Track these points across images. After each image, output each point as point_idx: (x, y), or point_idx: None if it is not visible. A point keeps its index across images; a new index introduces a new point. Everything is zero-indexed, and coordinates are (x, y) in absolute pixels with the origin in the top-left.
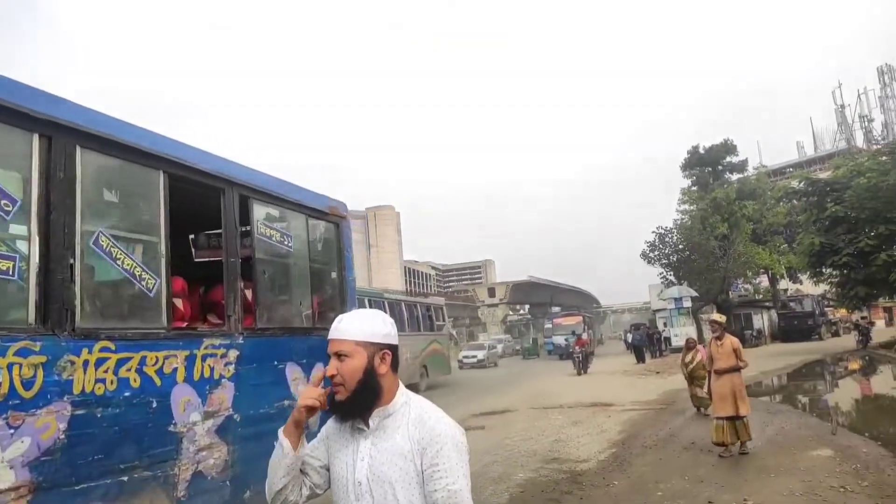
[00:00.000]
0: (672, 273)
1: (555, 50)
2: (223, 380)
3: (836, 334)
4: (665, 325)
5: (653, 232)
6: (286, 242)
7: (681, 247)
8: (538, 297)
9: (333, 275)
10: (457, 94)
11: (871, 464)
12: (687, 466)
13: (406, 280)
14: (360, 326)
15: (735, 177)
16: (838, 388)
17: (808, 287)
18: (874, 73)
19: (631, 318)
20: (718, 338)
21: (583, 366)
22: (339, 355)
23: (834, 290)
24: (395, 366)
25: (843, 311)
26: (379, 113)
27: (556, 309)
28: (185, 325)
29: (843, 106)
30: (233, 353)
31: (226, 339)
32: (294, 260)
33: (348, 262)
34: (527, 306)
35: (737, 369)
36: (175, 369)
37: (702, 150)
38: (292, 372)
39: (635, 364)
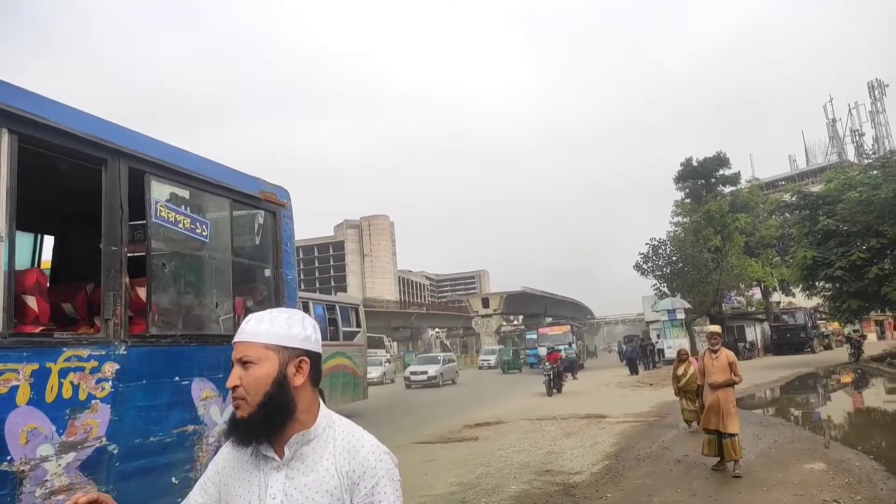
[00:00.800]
0: (665, 285)
1: (549, 59)
2: (94, 401)
3: (828, 347)
4: (658, 336)
5: (646, 244)
6: (199, 231)
7: (674, 259)
8: (532, 307)
9: (267, 272)
10: (452, 104)
11: (863, 478)
12: (680, 479)
13: (400, 289)
14: (270, 327)
15: (728, 189)
16: (831, 402)
17: (801, 300)
18: (865, 87)
19: (625, 330)
20: (714, 350)
21: (555, 385)
22: (242, 362)
23: (826, 303)
24: (315, 379)
25: (835, 325)
26: (376, 119)
27: (549, 320)
28: (38, 329)
29: (834, 120)
30: (109, 367)
31: (99, 349)
32: (210, 253)
33: (287, 258)
34: (521, 317)
35: (731, 384)
36: (14, 388)
37: (695, 163)
38: (201, 389)
39: (628, 376)
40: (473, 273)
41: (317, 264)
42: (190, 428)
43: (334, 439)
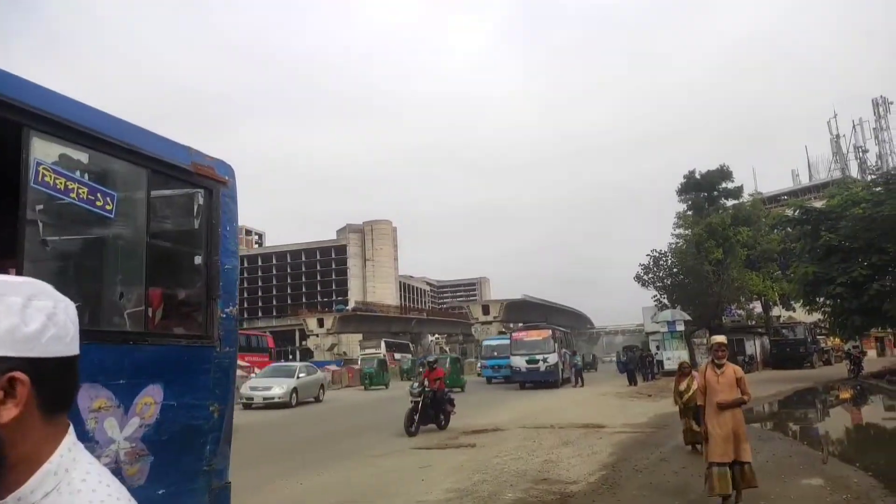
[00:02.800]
0: (666, 296)
1: (554, 67)
2: None
3: (827, 363)
4: (658, 348)
5: (647, 255)
6: (101, 204)
7: (675, 270)
8: (532, 316)
9: (197, 259)
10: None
11: (861, 494)
12: (677, 491)
13: (400, 295)
14: None
15: (730, 203)
16: (829, 417)
17: (801, 314)
18: (870, 104)
19: (624, 340)
20: (720, 365)
21: (430, 419)
22: None
23: (828, 319)
24: (47, 405)
25: (835, 340)
26: (381, 125)
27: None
28: None
29: (838, 136)
30: None
31: None
32: (116, 231)
33: (225, 244)
34: (520, 324)
35: (740, 404)
36: None
37: (698, 176)
38: (92, 398)
39: (627, 386)
40: (474, 280)
41: (318, 268)
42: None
43: None
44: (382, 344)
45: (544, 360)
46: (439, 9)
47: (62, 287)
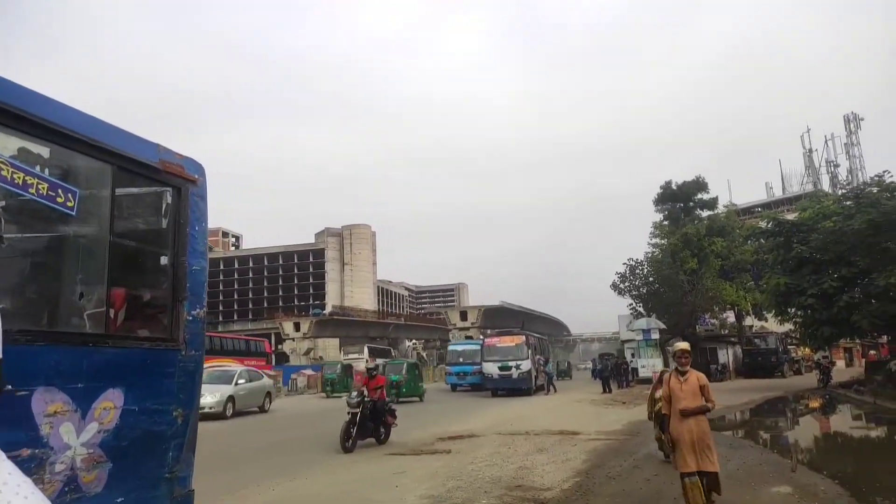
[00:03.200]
0: (641, 305)
1: (530, 75)
2: None
3: (798, 372)
4: (633, 356)
5: (624, 263)
6: (62, 200)
7: (651, 279)
8: (509, 322)
9: (164, 260)
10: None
11: (828, 503)
12: (649, 498)
13: (379, 299)
14: None
15: (706, 213)
16: (799, 426)
17: (773, 325)
18: (842, 120)
19: (600, 348)
20: (683, 372)
21: (351, 441)
22: None
23: (799, 329)
24: None
25: (805, 350)
26: (361, 129)
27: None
28: None
29: (810, 150)
30: None
31: None
32: (78, 229)
33: (193, 244)
34: (490, 331)
35: (704, 411)
36: None
37: (674, 186)
38: (47, 402)
39: (601, 393)
40: (453, 286)
41: (296, 271)
42: (24, 452)
43: None
44: (366, 349)
45: (517, 367)
46: (420, 18)
47: (19, 286)
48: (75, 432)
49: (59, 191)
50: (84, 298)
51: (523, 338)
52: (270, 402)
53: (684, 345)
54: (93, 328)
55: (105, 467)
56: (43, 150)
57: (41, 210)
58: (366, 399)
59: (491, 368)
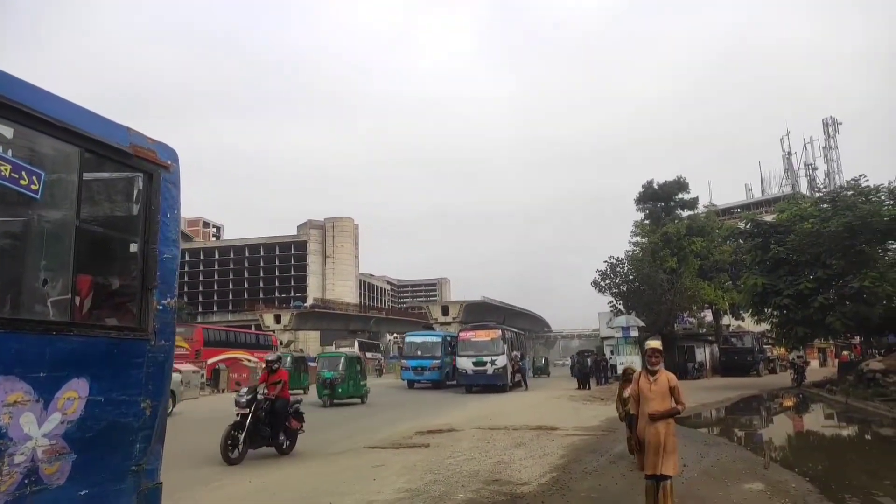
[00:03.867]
0: (621, 302)
1: (523, 75)
2: None
3: (773, 371)
4: (612, 352)
5: (605, 261)
6: (25, 183)
7: (631, 277)
8: (491, 317)
9: (134, 247)
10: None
11: (798, 499)
12: (625, 493)
13: (360, 293)
14: None
15: (686, 213)
16: (773, 424)
17: (750, 324)
18: (820, 124)
19: (580, 344)
20: (653, 372)
21: (237, 452)
22: None
23: (774, 329)
24: None
25: (781, 350)
26: (345, 123)
27: None
28: None
29: (789, 153)
30: None
31: None
32: (42, 213)
33: (165, 232)
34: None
35: (673, 414)
36: None
37: (656, 186)
38: (7, 392)
39: (578, 389)
40: (435, 280)
41: (277, 263)
42: None
43: None
44: (357, 343)
45: (492, 363)
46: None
47: None
48: (36, 423)
49: (23, 173)
50: (48, 285)
51: (499, 332)
52: (174, 405)
53: (655, 343)
54: (57, 316)
55: (68, 459)
56: (6, 131)
57: (3, 193)
58: (261, 397)
59: (465, 363)
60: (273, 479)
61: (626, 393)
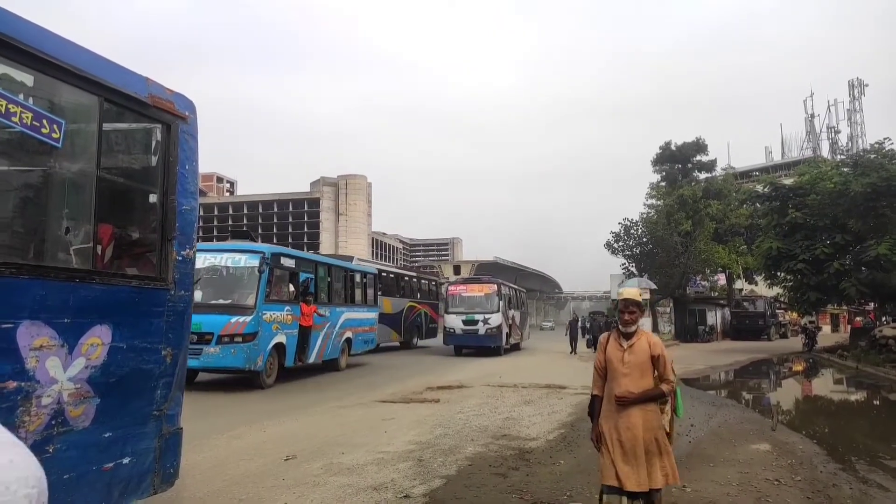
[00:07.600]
0: (634, 265)
1: (534, 34)
2: None
3: (784, 336)
4: None
5: (619, 223)
6: (47, 131)
7: (644, 240)
8: (502, 278)
9: (153, 198)
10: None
11: (805, 460)
12: None
13: (372, 251)
14: None
15: (703, 176)
16: (781, 388)
17: (762, 289)
18: (846, 85)
19: (591, 306)
20: (626, 334)
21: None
22: None
23: (787, 293)
24: None
25: (793, 315)
26: (359, 81)
27: None
28: None
29: (812, 115)
30: None
31: None
32: (64, 162)
33: (183, 184)
34: (464, 277)
35: (656, 397)
36: None
37: (673, 147)
38: (33, 336)
39: (587, 348)
40: (447, 240)
41: (290, 219)
42: (10, 384)
43: None
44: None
45: (485, 322)
46: None
47: (2, 218)
48: (62, 367)
49: (45, 121)
50: (70, 234)
51: (495, 287)
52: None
53: (632, 292)
54: (79, 264)
55: (93, 402)
56: (26, 78)
57: (25, 141)
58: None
59: (454, 321)
60: (288, 430)
61: None
